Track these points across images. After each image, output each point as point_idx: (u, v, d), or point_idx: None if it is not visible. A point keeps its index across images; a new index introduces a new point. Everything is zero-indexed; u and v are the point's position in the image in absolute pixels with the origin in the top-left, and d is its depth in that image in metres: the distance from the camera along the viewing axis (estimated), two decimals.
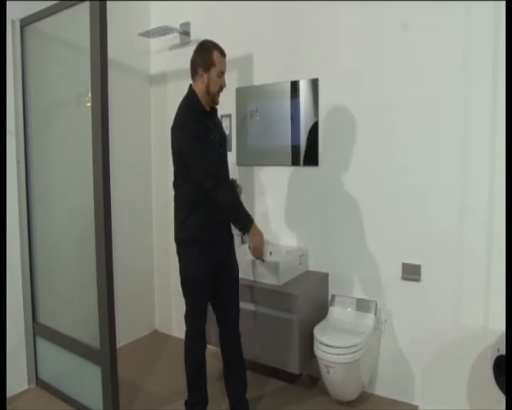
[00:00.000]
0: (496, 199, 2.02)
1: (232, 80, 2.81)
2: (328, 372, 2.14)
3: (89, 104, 2.04)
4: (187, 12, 3.03)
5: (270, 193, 2.79)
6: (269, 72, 2.70)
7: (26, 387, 2.55)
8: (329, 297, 2.50)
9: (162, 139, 3.02)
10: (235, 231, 2.11)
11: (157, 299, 3.44)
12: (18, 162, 2.48)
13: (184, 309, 2.07)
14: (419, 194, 2.24)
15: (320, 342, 2.17)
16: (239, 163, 2.87)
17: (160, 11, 3.19)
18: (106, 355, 2.06)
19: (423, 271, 2.26)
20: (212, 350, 2.51)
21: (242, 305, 2.30)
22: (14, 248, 2.46)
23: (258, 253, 2.03)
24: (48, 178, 2.50)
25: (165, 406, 2.37)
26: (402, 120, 2.27)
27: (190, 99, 1.99)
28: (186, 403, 2.14)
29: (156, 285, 3.44)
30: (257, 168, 2.83)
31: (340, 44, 2.43)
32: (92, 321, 2.12)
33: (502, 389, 1.76)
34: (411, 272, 2.28)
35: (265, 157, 2.77)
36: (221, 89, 2.02)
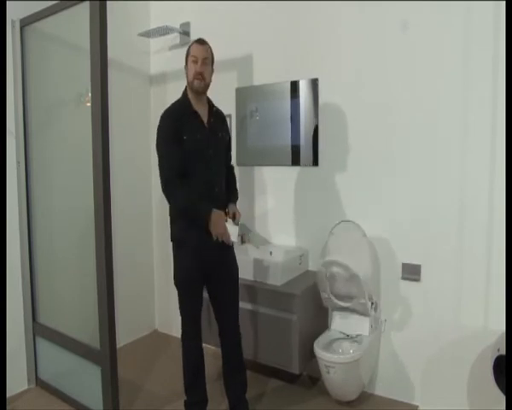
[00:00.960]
0: (496, 199, 2.02)
1: (232, 80, 2.82)
2: (328, 372, 2.14)
3: (89, 104, 2.04)
4: (187, 12, 3.03)
5: (270, 193, 2.79)
6: (269, 72, 2.70)
7: (25, 387, 2.55)
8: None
9: None
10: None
11: (157, 299, 3.44)
12: (18, 162, 2.48)
13: None
14: (419, 194, 2.24)
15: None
16: (239, 163, 2.87)
17: (160, 11, 3.19)
18: (106, 355, 2.06)
19: (423, 271, 2.26)
20: (212, 350, 2.51)
21: (242, 305, 2.30)
22: (14, 248, 2.46)
23: (226, 239, 1.93)
24: (48, 178, 2.50)
25: (165, 406, 2.37)
26: (402, 120, 2.27)
27: (176, 101, 2.04)
28: (185, 403, 2.14)
29: (156, 285, 3.44)
30: (257, 168, 2.83)
31: (340, 44, 2.43)
32: (92, 321, 2.12)
33: (502, 389, 1.76)
34: (411, 272, 2.28)
35: (265, 157, 2.77)
36: (196, 74, 1.94)
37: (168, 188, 1.93)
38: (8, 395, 2.34)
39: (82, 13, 2.00)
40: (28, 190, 2.51)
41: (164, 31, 2.98)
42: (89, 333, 2.19)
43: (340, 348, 2.31)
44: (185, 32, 3.03)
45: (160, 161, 1.95)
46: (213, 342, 2.42)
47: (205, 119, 2.03)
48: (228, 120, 2.91)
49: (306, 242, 2.66)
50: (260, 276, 2.43)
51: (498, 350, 1.78)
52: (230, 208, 2.07)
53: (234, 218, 2.02)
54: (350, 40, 2.39)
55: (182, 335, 2.09)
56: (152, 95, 3.31)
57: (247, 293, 2.41)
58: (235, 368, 2.15)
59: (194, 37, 2.98)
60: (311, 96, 2.55)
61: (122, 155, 2.98)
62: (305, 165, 2.61)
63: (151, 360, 2.94)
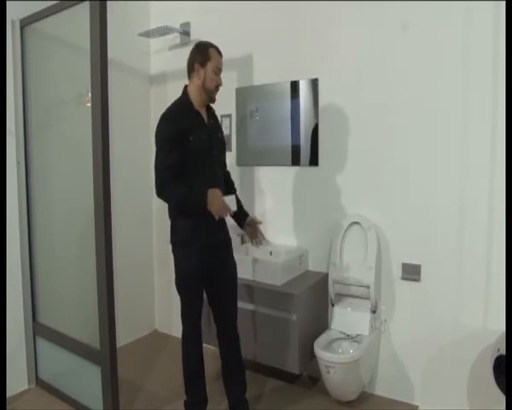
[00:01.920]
0: (496, 199, 2.02)
1: (232, 80, 2.82)
2: (328, 372, 2.14)
3: (89, 104, 2.04)
4: (187, 12, 3.03)
5: (270, 193, 2.79)
6: (269, 72, 2.70)
7: (26, 387, 2.55)
8: (329, 297, 2.49)
9: None
10: (236, 232, 2.11)
11: (157, 299, 3.44)
12: (18, 162, 2.48)
13: None
14: (419, 194, 2.24)
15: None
16: (239, 163, 2.87)
17: (160, 11, 3.19)
18: (106, 355, 2.06)
19: (423, 271, 2.26)
20: (212, 350, 2.51)
21: (242, 305, 2.30)
22: (14, 248, 2.46)
23: (226, 214, 1.92)
24: (48, 178, 2.51)
25: (165, 406, 2.37)
26: (402, 120, 2.27)
27: (177, 100, 2.01)
28: (185, 403, 2.14)
29: (156, 285, 3.44)
30: (257, 168, 2.83)
31: (340, 44, 2.43)
32: (92, 321, 2.12)
33: (502, 389, 1.76)
34: (411, 272, 2.28)
35: (265, 157, 2.77)
36: (217, 87, 2.00)
37: (163, 189, 1.90)
38: (8, 395, 2.34)
39: (82, 13, 2.00)
40: (28, 189, 2.51)
41: (164, 31, 2.98)
42: (89, 333, 2.19)
43: (340, 348, 2.31)
44: (185, 32, 3.03)
45: (155, 162, 1.92)
46: (213, 343, 2.41)
47: (205, 119, 2.03)
48: (228, 119, 2.92)
49: (306, 242, 2.66)
50: (260, 276, 2.43)
51: (498, 350, 1.78)
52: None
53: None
54: (350, 40, 2.39)
55: (182, 336, 2.09)
56: (152, 95, 3.31)
57: (247, 293, 2.41)
58: (234, 368, 2.15)
59: (194, 37, 2.99)
60: (311, 96, 2.55)
61: (122, 154, 2.98)
62: (305, 165, 2.61)
63: (151, 360, 2.94)
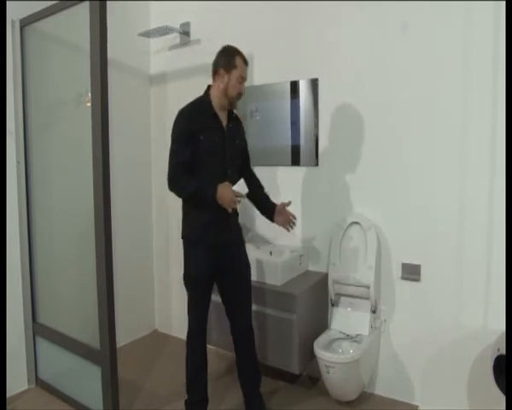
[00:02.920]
0: (496, 199, 2.02)
1: None
2: (328, 372, 2.14)
3: (89, 104, 2.03)
4: (187, 12, 3.02)
5: (269, 193, 2.78)
6: (269, 72, 2.70)
7: (25, 387, 2.55)
8: (329, 297, 2.49)
9: (162, 139, 3.02)
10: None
11: (157, 299, 3.44)
12: (18, 162, 2.48)
13: (185, 308, 2.09)
14: (419, 194, 2.24)
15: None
16: None
17: (160, 11, 3.19)
18: (106, 355, 2.06)
19: (423, 271, 2.26)
20: (212, 350, 2.51)
21: None
22: (14, 249, 2.46)
23: (234, 203, 1.89)
24: (48, 178, 2.50)
25: (165, 406, 2.37)
26: (402, 120, 2.27)
27: (198, 98, 2.04)
28: (186, 402, 2.14)
29: (156, 285, 3.43)
30: (257, 168, 2.82)
31: (340, 44, 2.43)
32: (92, 321, 2.12)
33: (502, 389, 1.75)
34: (411, 272, 2.28)
35: (265, 157, 2.77)
36: (239, 95, 2.03)
37: (173, 182, 1.95)
38: (8, 395, 2.34)
39: (82, 13, 2.00)
40: (28, 190, 2.51)
41: (164, 31, 2.98)
42: (89, 333, 2.19)
43: (340, 348, 2.31)
44: (185, 32, 3.03)
45: (169, 157, 1.97)
46: (213, 342, 2.42)
47: (224, 122, 2.04)
48: None
49: (306, 242, 2.66)
50: (260, 276, 2.43)
51: (498, 350, 1.78)
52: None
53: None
54: (350, 40, 2.39)
55: (188, 333, 2.10)
56: (152, 95, 3.30)
57: None
58: (249, 364, 2.16)
59: (194, 37, 2.99)
60: (311, 96, 2.55)
61: (122, 155, 2.97)
62: (305, 165, 2.61)
63: (151, 360, 2.94)
